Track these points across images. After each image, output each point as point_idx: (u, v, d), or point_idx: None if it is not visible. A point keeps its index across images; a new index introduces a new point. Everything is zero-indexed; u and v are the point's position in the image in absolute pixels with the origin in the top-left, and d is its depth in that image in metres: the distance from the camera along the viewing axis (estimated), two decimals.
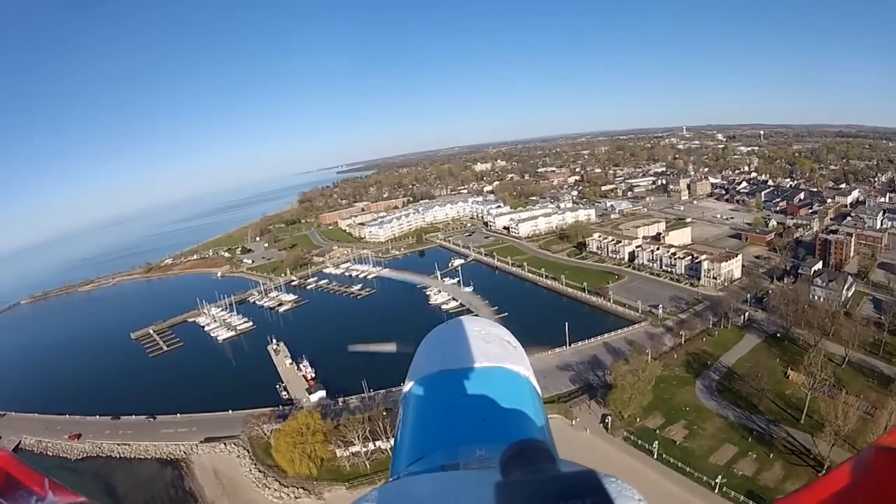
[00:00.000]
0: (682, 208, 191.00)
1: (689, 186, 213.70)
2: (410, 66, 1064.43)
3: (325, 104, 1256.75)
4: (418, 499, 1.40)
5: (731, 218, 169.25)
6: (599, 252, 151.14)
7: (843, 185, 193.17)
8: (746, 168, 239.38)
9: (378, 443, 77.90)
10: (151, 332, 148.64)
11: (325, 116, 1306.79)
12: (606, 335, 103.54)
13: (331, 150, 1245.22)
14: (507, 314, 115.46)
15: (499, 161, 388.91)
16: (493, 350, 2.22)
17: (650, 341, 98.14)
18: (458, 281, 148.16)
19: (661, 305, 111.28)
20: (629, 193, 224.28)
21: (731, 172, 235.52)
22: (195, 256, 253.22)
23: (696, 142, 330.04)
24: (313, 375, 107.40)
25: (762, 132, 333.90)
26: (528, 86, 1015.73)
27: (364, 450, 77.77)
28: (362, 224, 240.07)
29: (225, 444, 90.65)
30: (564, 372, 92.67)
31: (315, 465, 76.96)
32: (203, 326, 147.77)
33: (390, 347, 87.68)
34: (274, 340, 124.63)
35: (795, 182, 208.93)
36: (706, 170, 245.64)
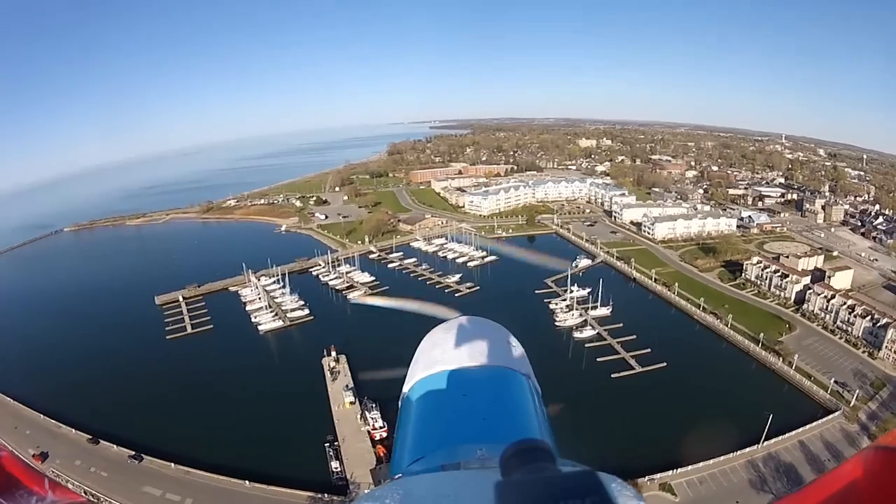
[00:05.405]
0: (821, 234, 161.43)
1: (823, 209, 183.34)
2: (511, 25, 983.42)
3: (422, 54, 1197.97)
4: (418, 498, 1.38)
5: (876, 260, 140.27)
6: (759, 283, 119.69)
7: None
8: (865, 196, 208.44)
9: None
10: (180, 298, 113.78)
11: (420, 68, 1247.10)
12: (800, 430, 70.68)
13: (423, 103, 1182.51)
14: (664, 365, 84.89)
15: (604, 139, 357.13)
16: (494, 350, 2.21)
17: (849, 448, 67.70)
18: (590, 294, 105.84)
19: (852, 387, 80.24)
20: (759, 203, 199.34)
21: (853, 199, 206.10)
22: (262, 200, 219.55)
23: (800, 154, 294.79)
24: (385, 434, 66.94)
25: (865, 156, 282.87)
26: (624, 64, 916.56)
27: None
28: (461, 190, 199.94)
29: None
30: (762, 495, 60.21)
31: None
32: (245, 303, 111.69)
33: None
34: (333, 352, 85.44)
35: None
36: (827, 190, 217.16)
